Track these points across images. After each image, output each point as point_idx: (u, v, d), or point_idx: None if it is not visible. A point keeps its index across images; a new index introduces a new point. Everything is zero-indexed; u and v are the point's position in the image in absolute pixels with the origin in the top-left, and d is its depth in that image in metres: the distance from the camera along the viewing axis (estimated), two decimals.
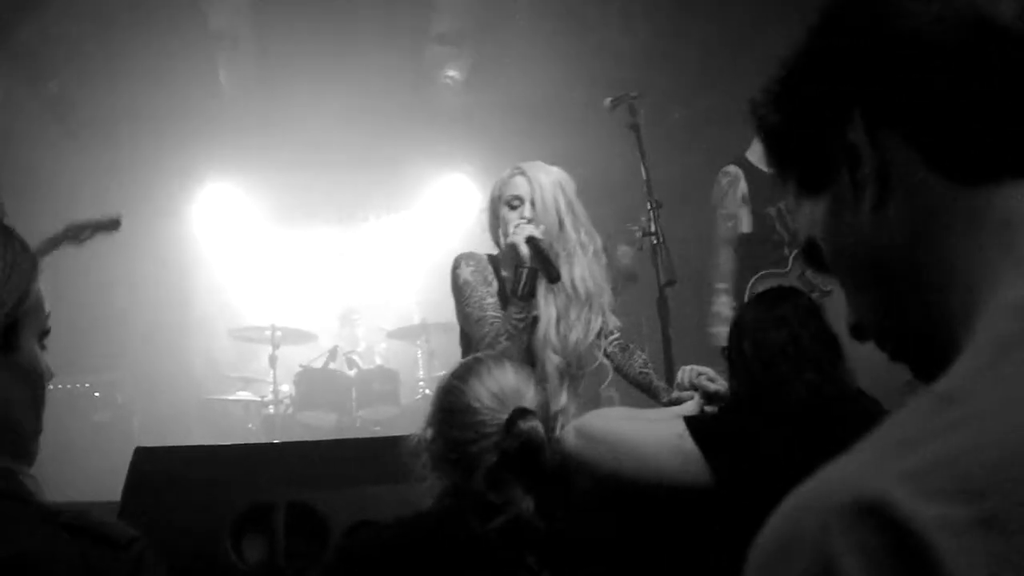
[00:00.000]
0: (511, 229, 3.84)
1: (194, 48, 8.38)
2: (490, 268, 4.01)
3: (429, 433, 2.57)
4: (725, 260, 6.16)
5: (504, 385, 2.52)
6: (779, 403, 2.86)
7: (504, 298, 3.91)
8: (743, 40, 7.85)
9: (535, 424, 2.43)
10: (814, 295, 5.56)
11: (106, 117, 8.98)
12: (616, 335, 4.13)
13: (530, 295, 3.76)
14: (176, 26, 7.88)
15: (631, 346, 4.19)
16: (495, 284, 3.97)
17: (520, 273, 3.74)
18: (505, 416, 2.44)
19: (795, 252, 6.19)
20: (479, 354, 2.75)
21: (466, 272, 3.94)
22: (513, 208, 3.91)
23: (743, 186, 6.21)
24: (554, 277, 3.76)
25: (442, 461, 2.52)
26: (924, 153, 0.96)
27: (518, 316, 3.71)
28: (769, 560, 0.77)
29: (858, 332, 1.10)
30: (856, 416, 2.86)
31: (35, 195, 7.71)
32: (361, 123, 9.43)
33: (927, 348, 1.00)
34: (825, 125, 1.03)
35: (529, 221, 3.85)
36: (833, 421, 2.79)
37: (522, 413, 2.45)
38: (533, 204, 3.89)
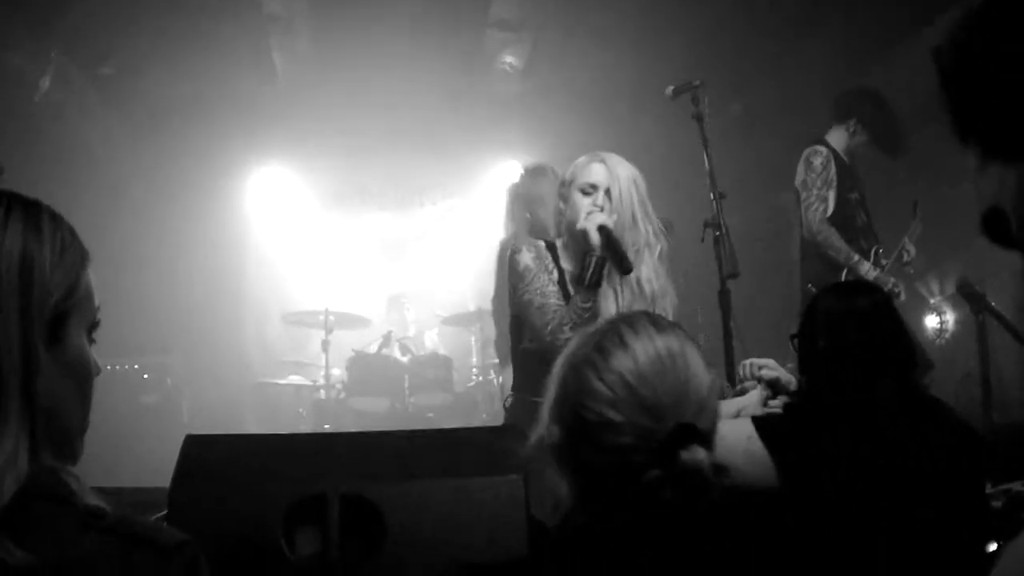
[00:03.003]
0: (582, 215, 3.77)
1: (248, 31, 8.40)
2: (549, 256, 3.94)
3: (556, 434, 1.92)
4: (838, 237, 5.98)
5: (658, 381, 1.81)
6: (852, 405, 2.76)
7: (564, 288, 3.85)
8: (803, 31, 7.76)
9: (700, 457, 1.77)
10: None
11: (159, 99, 9.04)
12: None
13: (597, 284, 3.69)
14: (230, 8, 7.87)
15: None
16: (555, 273, 3.90)
17: (589, 261, 3.68)
18: (660, 435, 1.78)
19: (876, 247, 6.06)
20: (616, 319, 2.02)
21: (527, 258, 3.87)
22: (586, 195, 3.84)
23: (833, 168, 6.11)
24: (626, 268, 3.69)
25: (573, 475, 1.91)
26: None
27: (584, 305, 3.64)
28: None
29: None
30: (929, 424, 2.77)
31: (88, 176, 7.75)
32: (417, 108, 9.43)
33: None
34: (1021, 85, 0.93)
35: (602, 209, 3.78)
36: (905, 428, 2.71)
37: (682, 435, 1.79)
38: (608, 194, 3.83)
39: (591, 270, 3.67)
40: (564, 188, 3.96)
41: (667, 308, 3.91)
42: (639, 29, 8.00)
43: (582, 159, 3.95)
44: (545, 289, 3.79)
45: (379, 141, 9.73)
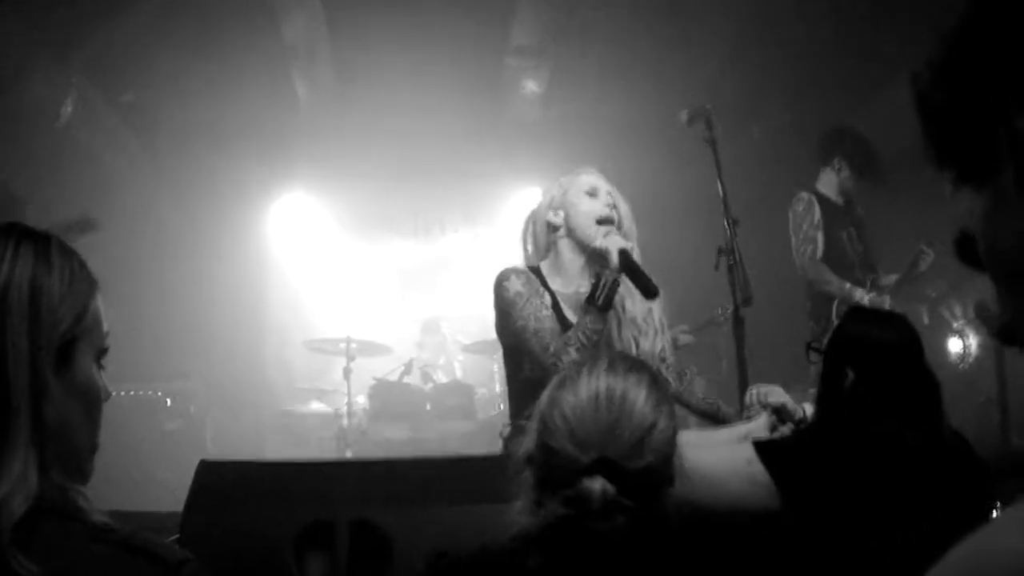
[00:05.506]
0: (599, 233, 3.71)
1: (269, 60, 8.46)
2: (538, 280, 3.81)
3: (530, 449, 2.08)
4: (829, 272, 6.27)
5: (589, 417, 1.97)
6: (867, 441, 2.73)
7: (558, 310, 3.74)
8: (822, 56, 7.75)
9: (595, 487, 1.89)
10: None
11: (182, 128, 9.11)
12: (670, 361, 3.95)
13: (608, 306, 3.56)
14: (250, 38, 7.94)
15: (687, 373, 4.05)
16: (547, 296, 3.77)
17: (605, 281, 3.55)
18: (580, 465, 1.92)
19: (872, 277, 6.32)
20: (569, 365, 2.22)
21: (516, 284, 3.72)
22: (592, 196, 3.80)
23: (817, 211, 6.37)
24: (652, 292, 3.60)
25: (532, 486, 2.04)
26: None
27: (593, 327, 3.51)
28: None
29: (1007, 335, 1.01)
30: (944, 464, 2.73)
31: (110, 204, 7.82)
32: (439, 135, 9.46)
33: None
34: (991, 114, 0.95)
35: (614, 223, 3.75)
36: (916, 467, 2.68)
37: (597, 467, 1.90)
38: (616, 208, 3.80)
39: (605, 291, 3.53)
40: (556, 203, 3.89)
41: (665, 327, 3.89)
42: (656, 56, 8.04)
43: (565, 177, 3.92)
44: (539, 314, 3.63)
45: (401, 167, 9.74)
